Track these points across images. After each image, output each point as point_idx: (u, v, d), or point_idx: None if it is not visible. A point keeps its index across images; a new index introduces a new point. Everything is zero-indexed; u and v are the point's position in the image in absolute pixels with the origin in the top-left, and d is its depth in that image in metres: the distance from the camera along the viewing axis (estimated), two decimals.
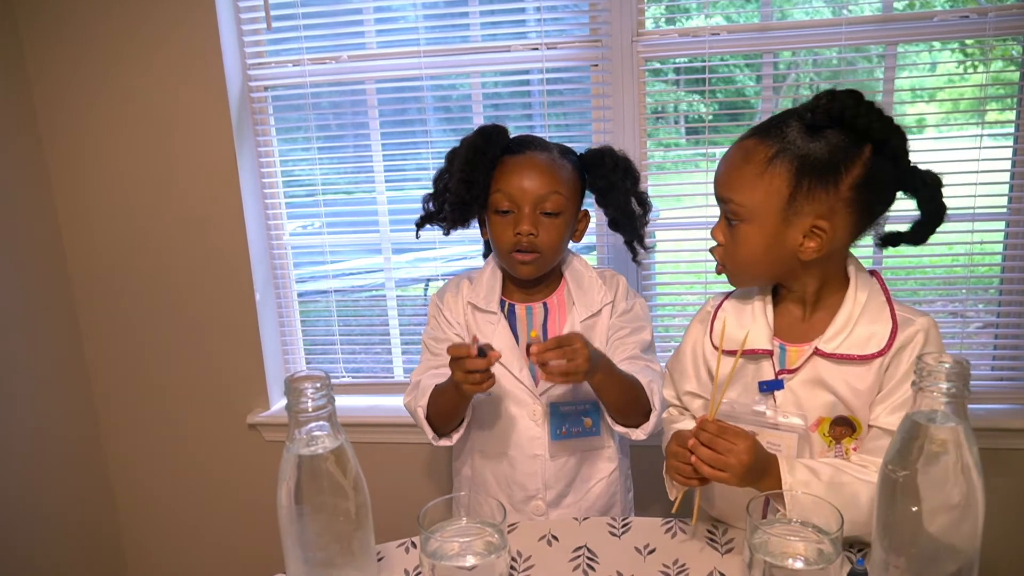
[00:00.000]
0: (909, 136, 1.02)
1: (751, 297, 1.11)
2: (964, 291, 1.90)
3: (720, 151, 1.97)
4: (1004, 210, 1.80)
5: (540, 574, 0.99)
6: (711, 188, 1.06)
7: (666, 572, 0.98)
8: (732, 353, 1.06)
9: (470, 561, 0.81)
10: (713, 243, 1.11)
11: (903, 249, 1.20)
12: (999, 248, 1.83)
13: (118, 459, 2.20)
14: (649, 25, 1.86)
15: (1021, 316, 1.83)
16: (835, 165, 0.98)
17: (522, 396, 1.35)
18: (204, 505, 2.20)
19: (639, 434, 1.30)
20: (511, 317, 1.40)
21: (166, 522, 2.24)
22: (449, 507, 0.91)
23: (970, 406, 1.86)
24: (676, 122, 2.10)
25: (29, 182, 1.96)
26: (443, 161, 1.40)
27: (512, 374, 1.34)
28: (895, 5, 1.75)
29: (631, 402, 1.28)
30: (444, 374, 1.31)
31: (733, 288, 1.15)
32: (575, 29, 1.90)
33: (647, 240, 1.46)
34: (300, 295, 2.19)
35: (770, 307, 1.09)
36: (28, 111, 1.95)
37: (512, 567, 1.01)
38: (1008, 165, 1.77)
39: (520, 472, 1.36)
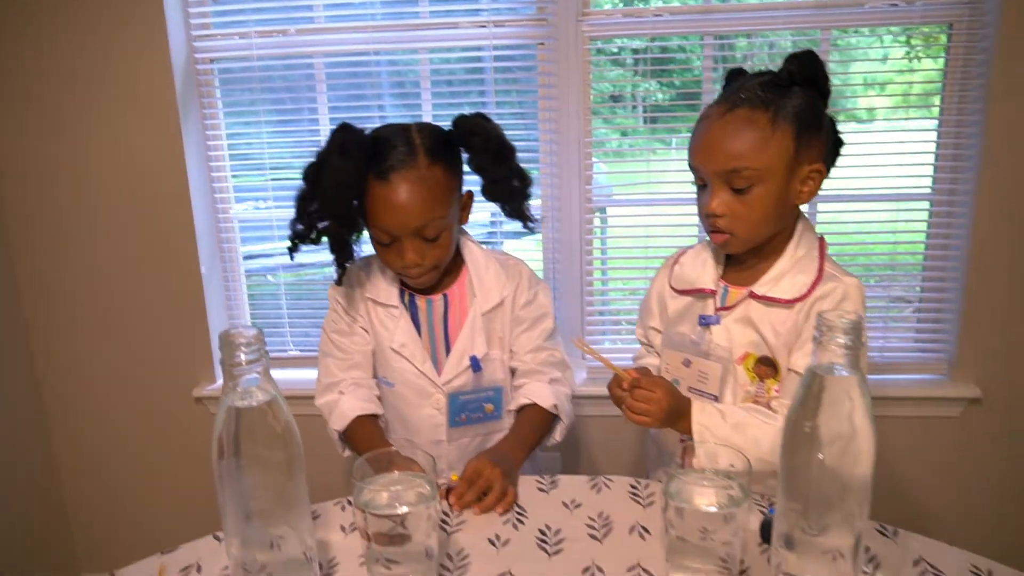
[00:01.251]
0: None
1: (708, 247, 1.24)
2: (891, 269, 1.99)
3: (679, 138, 2.03)
4: (928, 191, 1.89)
5: (472, 529, 1.04)
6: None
7: (592, 524, 1.03)
8: (685, 293, 1.24)
9: (402, 510, 0.84)
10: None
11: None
12: (923, 227, 1.92)
13: (63, 431, 2.19)
14: (605, 4, 1.90)
15: (942, 291, 1.93)
16: (817, 114, 1.11)
17: (426, 387, 1.34)
18: (150, 475, 2.21)
19: (554, 439, 1.36)
20: (412, 308, 1.36)
21: (112, 492, 2.24)
22: (385, 462, 0.94)
23: (894, 376, 1.97)
24: (634, 108, 2.13)
25: None
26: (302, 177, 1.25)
27: (415, 367, 1.33)
28: None
29: (544, 436, 1.34)
30: (360, 379, 1.36)
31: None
32: (523, 8, 1.93)
33: (531, 212, 1.35)
34: (248, 272, 2.19)
35: (722, 255, 1.22)
36: None
37: (444, 524, 1.05)
38: (932, 148, 1.86)
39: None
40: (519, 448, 1.24)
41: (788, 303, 1.12)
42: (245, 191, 2.14)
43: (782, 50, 1.93)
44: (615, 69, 2.08)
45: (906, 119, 1.85)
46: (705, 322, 1.19)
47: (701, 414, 1.09)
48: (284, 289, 2.16)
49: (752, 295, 1.15)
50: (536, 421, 1.31)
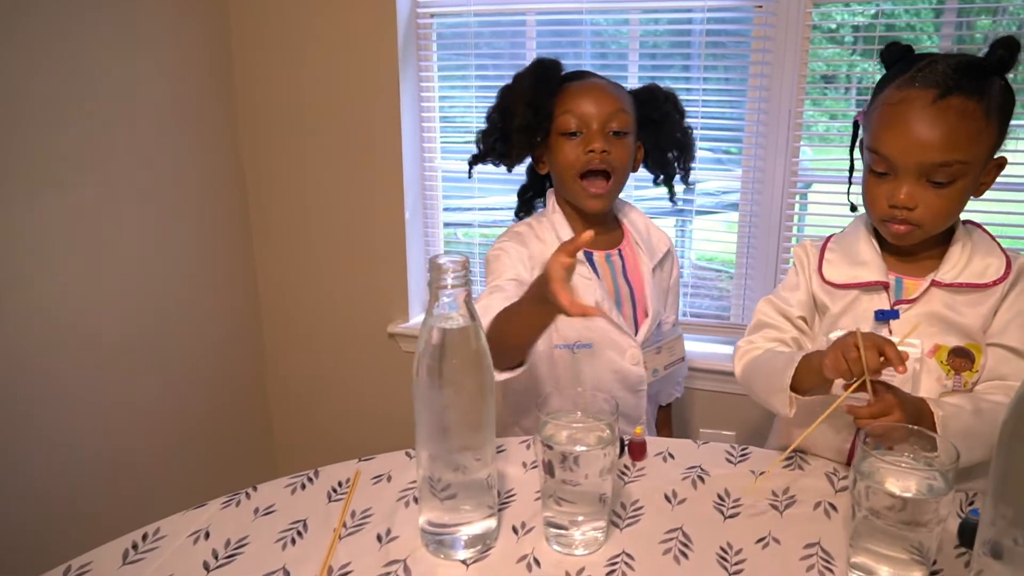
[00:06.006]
0: None
1: (855, 238, 1.16)
2: None
3: None
4: None
5: (649, 482, 1.04)
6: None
7: (775, 495, 1.00)
8: (843, 287, 1.14)
9: (581, 448, 0.86)
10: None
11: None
12: None
13: (273, 352, 2.44)
14: None
15: None
16: (1012, 105, 1.04)
17: (621, 342, 1.35)
18: (344, 398, 2.40)
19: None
20: (592, 267, 1.36)
21: (310, 408, 2.45)
22: (570, 400, 0.96)
23: None
24: (847, 91, 1.98)
25: (215, 95, 2.16)
26: (496, 97, 1.39)
27: (614, 322, 1.34)
28: None
29: None
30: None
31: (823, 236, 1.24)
32: None
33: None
34: (445, 224, 2.30)
35: (876, 243, 1.14)
36: (224, 31, 2.15)
37: (623, 474, 1.06)
38: None
39: (625, 406, 1.39)
40: None
41: (986, 287, 1.06)
42: (450, 147, 2.23)
43: None
44: (830, 47, 1.94)
45: None
46: (883, 317, 1.10)
47: (940, 408, 0.99)
48: (478, 242, 2.26)
49: (936, 283, 1.08)
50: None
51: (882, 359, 0.93)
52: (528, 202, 1.51)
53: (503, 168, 1.41)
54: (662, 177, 1.47)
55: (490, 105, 1.39)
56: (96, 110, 1.77)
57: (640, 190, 1.98)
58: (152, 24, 1.90)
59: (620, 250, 1.40)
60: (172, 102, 1.99)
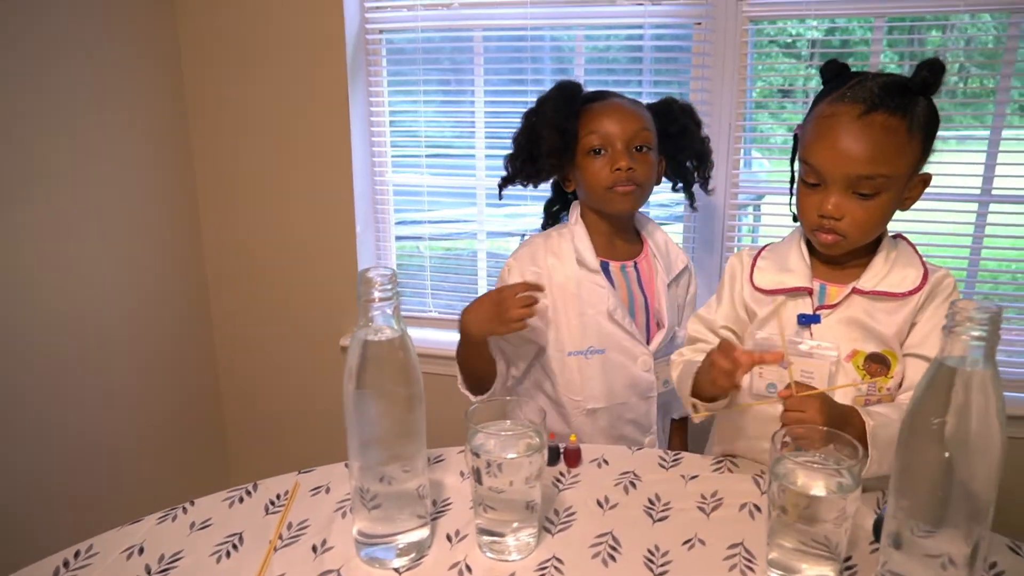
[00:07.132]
0: None
1: (788, 246, 1.21)
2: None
3: None
4: None
5: (583, 489, 1.07)
6: None
7: (703, 499, 1.03)
8: (770, 292, 1.19)
9: (509, 456, 0.89)
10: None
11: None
12: None
13: (228, 365, 2.42)
14: None
15: None
16: (935, 125, 1.09)
17: (633, 349, 1.40)
18: (296, 410, 2.39)
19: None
20: (607, 277, 1.42)
21: (263, 420, 2.44)
22: (500, 410, 0.99)
23: (1006, 394, 1.79)
24: (805, 104, 2.02)
25: (165, 112, 2.15)
26: (521, 121, 1.45)
27: (626, 330, 1.39)
28: None
29: None
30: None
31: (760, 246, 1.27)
32: None
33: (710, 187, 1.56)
34: (398, 238, 2.31)
35: (806, 251, 1.19)
36: (174, 48, 2.14)
37: (558, 480, 1.08)
38: None
39: (636, 412, 1.44)
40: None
41: (902, 296, 1.11)
42: (401, 161, 2.23)
43: (982, 46, 1.78)
44: (787, 61, 2.00)
45: None
46: (805, 321, 1.15)
47: (871, 417, 1.02)
48: (429, 255, 2.27)
49: (857, 291, 1.13)
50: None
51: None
52: (555, 215, 1.57)
53: (492, 183, 1.51)
54: (680, 185, 1.55)
55: (516, 129, 1.45)
56: (50, 125, 1.77)
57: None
58: (99, 37, 1.90)
59: (636, 262, 1.45)
60: (122, 117, 1.99)
